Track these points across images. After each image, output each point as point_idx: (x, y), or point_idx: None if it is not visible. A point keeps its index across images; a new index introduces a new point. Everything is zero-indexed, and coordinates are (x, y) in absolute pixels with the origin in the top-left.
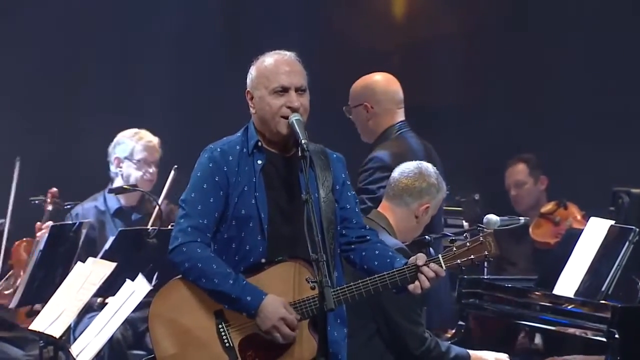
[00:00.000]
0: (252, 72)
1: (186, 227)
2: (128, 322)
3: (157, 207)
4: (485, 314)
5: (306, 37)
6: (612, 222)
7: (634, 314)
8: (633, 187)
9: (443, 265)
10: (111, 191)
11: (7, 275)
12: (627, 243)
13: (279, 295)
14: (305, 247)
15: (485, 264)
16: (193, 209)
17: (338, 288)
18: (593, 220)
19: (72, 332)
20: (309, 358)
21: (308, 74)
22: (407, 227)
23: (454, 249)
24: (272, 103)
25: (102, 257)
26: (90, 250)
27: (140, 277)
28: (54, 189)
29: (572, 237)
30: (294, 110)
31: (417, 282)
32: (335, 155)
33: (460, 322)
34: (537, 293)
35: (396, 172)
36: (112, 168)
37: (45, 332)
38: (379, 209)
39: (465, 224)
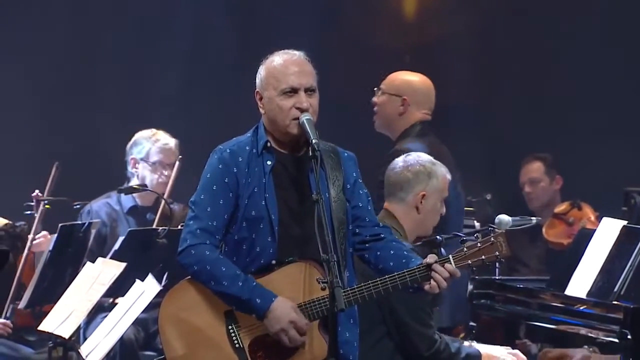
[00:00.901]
0: (261, 72)
1: (195, 229)
2: (139, 323)
3: (163, 203)
4: (496, 315)
5: (318, 37)
6: (625, 222)
7: None
8: None
9: (453, 265)
10: (120, 191)
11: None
12: (639, 243)
13: (289, 295)
14: (315, 247)
15: (497, 264)
16: (202, 211)
17: (349, 288)
18: (605, 220)
19: (82, 333)
20: (320, 359)
21: (319, 73)
22: (414, 222)
23: (465, 249)
24: (282, 104)
25: (111, 257)
26: (101, 247)
27: (150, 278)
28: (36, 191)
29: (584, 238)
30: (303, 111)
31: (433, 282)
32: (346, 154)
33: (472, 323)
34: (548, 294)
35: (387, 171)
36: (129, 168)
37: (55, 332)
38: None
39: (476, 224)
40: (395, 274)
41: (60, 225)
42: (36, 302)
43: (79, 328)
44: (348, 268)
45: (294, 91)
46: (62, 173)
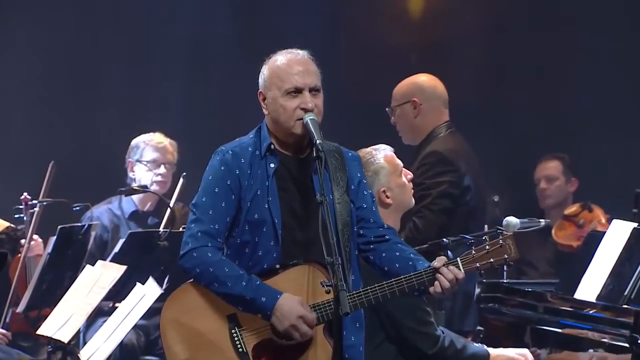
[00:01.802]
0: (264, 71)
1: (197, 232)
2: (140, 329)
3: (169, 210)
4: (504, 319)
5: (324, 37)
6: (636, 224)
7: None
8: None
9: (461, 268)
10: (120, 192)
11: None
12: None
13: None
14: (320, 250)
15: (505, 267)
16: (204, 213)
17: (354, 292)
18: (615, 222)
19: (82, 337)
20: None
21: (326, 73)
22: (392, 220)
23: (473, 252)
24: (286, 105)
25: (111, 260)
26: (102, 252)
27: (151, 281)
28: (24, 194)
29: (594, 240)
30: (307, 111)
31: (436, 283)
32: (350, 154)
33: (479, 327)
34: (557, 297)
35: None
36: (128, 173)
37: (54, 336)
38: None
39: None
40: (402, 276)
41: (59, 227)
42: (35, 305)
43: (78, 332)
44: (353, 271)
45: (298, 91)
46: (62, 174)
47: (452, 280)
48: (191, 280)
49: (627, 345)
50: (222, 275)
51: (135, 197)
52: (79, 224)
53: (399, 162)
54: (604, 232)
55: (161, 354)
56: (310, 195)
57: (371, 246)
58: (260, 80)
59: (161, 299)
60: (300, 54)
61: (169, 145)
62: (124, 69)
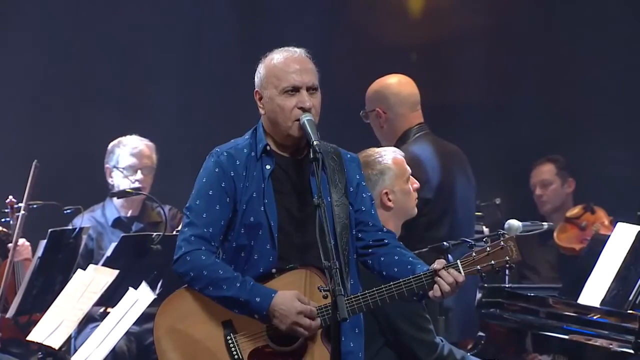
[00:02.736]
0: (261, 70)
1: (190, 237)
2: (133, 335)
3: (164, 216)
4: (506, 324)
5: (323, 36)
6: None
7: None
8: None
9: (462, 271)
10: (112, 195)
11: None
12: None
13: None
14: (317, 254)
15: (507, 271)
16: (198, 217)
17: (352, 296)
18: (620, 225)
19: (73, 343)
20: None
21: (325, 72)
22: (393, 224)
23: (473, 254)
24: (283, 104)
25: (103, 264)
26: (89, 262)
27: (144, 285)
28: (10, 197)
29: (598, 244)
30: (305, 111)
31: (435, 286)
32: (349, 155)
33: (481, 333)
34: (560, 302)
35: None
36: (107, 179)
37: (44, 343)
38: None
39: (485, 229)
40: (401, 280)
41: (50, 230)
42: (25, 310)
43: (69, 338)
44: (352, 275)
45: (295, 90)
46: (53, 176)
47: (452, 283)
48: (185, 285)
49: (632, 351)
50: (217, 278)
51: (117, 203)
52: (70, 228)
53: (408, 168)
54: (608, 236)
55: None
56: (308, 197)
57: (370, 250)
58: (257, 79)
59: (154, 304)
60: (298, 52)
61: (146, 148)
62: (118, 69)
